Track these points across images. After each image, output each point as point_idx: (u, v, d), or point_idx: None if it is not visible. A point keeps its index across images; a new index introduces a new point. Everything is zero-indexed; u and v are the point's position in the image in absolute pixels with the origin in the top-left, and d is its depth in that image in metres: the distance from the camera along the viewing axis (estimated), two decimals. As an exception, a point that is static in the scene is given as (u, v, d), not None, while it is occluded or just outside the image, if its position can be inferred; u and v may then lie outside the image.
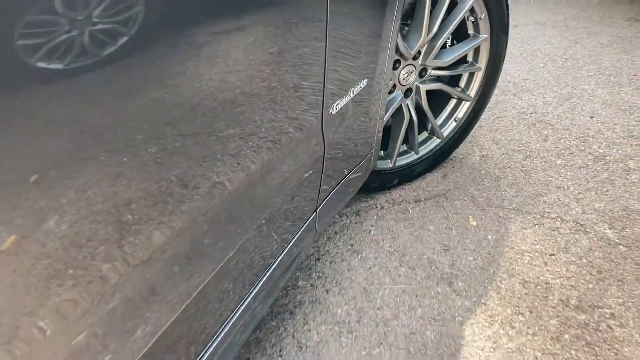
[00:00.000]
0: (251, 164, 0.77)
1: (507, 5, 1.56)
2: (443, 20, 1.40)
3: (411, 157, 1.68)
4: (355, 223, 1.56)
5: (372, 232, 1.51)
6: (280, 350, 1.19)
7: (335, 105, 0.98)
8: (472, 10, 1.49)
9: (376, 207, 1.61)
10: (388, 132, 1.58)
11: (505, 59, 2.50)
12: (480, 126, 1.96)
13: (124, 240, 0.58)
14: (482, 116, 1.99)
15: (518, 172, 1.71)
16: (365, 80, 1.09)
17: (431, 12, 1.36)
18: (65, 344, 0.55)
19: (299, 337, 1.22)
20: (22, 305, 0.49)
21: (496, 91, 2.19)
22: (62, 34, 0.45)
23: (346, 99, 1.03)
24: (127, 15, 0.50)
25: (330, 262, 1.42)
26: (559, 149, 1.80)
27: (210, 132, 0.66)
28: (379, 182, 1.64)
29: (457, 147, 1.77)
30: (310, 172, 1.00)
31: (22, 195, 0.46)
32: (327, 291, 1.33)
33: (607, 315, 1.21)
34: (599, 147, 1.78)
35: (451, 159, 1.80)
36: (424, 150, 1.70)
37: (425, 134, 1.72)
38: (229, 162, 0.71)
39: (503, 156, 1.79)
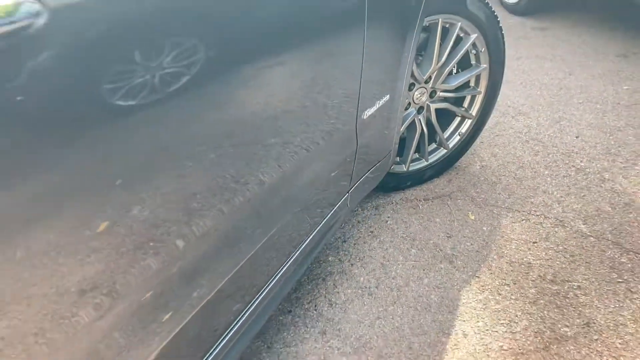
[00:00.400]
0: (312, 150, 1.11)
1: (504, 41, 1.90)
2: (450, 52, 1.74)
3: (422, 163, 1.99)
4: (375, 215, 1.89)
5: (388, 222, 1.84)
6: (315, 306, 1.51)
7: (366, 112, 1.33)
8: (474, 45, 1.81)
9: (392, 203, 1.95)
10: (403, 142, 1.91)
11: (507, 87, 2.85)
12: (482, 142, 2.30)
13: (192, 222, 0.79)
14: (484, 134, 2.32)
15: (511, 179, 2.03)
16: (388, 96, 1.43)
17: (440, 45, 1.70)
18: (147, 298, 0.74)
19: (330, 297, 1.54)
20: (115, 267, 0.66)
21: (497, 114, 2.52)
22: (138, 78, 0.60)
23: (374, 109, 1.38)
24: (195, 58, 0.67)
25: (354, 244, 1.75)
26: (547, 162, 2.12)
27: (285, 130, 1.01)
28: (394, 183, 1.97)
29: (461, 157, 2.09)
30: (347, 161, 1.34)
31: (111, 194, 0.62)
32: (351, 264, 1.65)
33: (574, 287, 1.51)
34: (581, 161, 2.10)
35: (455, 167, 2.13)
36: (432, 158, 1.98)
37: (434, 145, 1.99)
38: (295, 150, 1.06)
39: (499, 166, 2.12)
